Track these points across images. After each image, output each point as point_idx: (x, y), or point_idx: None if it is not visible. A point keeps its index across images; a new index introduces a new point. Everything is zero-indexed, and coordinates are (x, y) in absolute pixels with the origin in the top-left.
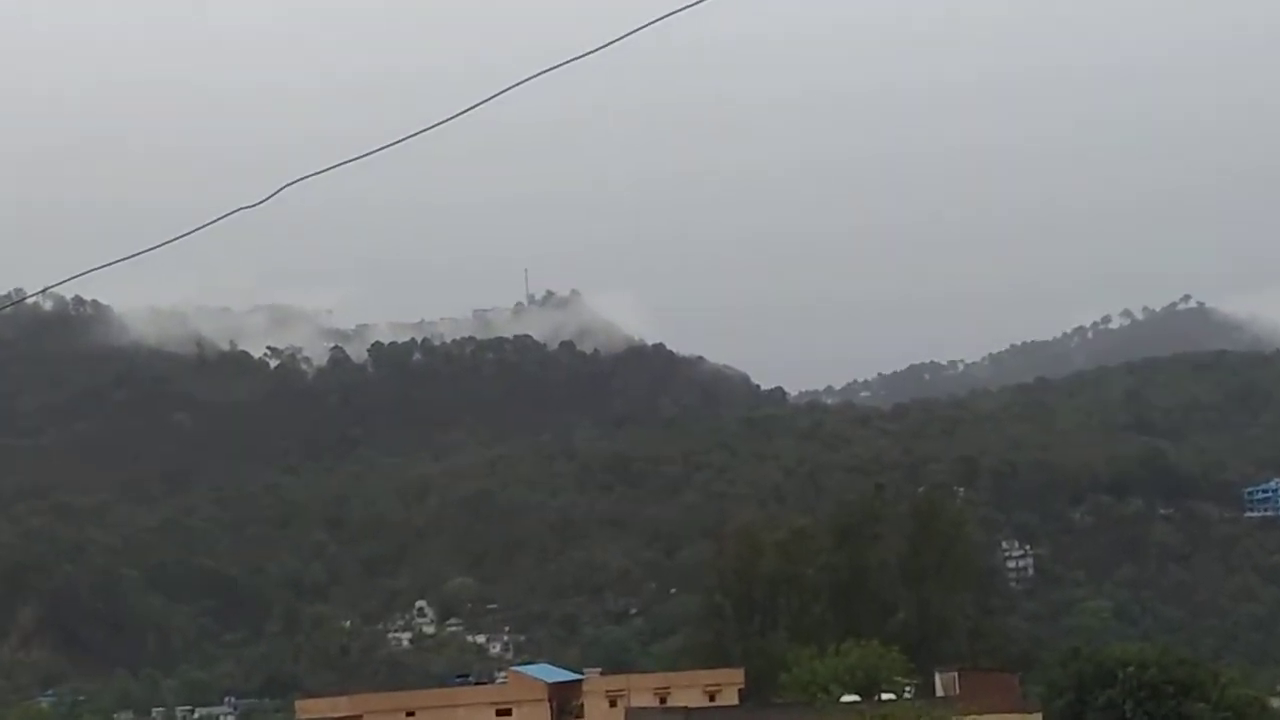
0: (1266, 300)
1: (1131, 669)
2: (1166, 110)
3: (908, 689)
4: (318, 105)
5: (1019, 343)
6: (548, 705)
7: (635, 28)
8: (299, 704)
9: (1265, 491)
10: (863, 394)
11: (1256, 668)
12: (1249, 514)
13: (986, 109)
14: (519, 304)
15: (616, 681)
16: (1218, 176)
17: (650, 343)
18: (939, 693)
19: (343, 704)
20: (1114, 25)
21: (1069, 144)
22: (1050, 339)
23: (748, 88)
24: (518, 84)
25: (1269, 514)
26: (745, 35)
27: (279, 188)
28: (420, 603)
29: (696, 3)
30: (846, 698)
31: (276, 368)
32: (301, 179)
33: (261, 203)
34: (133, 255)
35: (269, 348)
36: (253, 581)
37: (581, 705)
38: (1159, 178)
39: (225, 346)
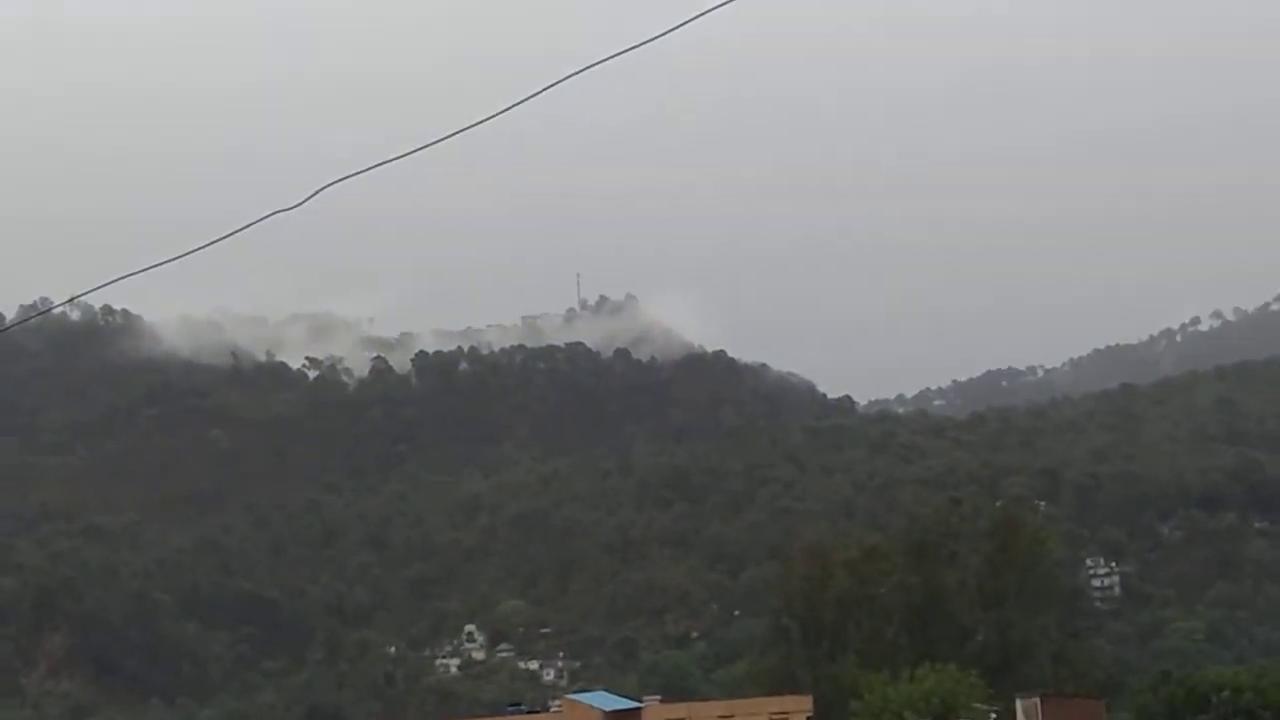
0: None
1: (1226, 694)
2: (1255, 97)
3: (991, 716)
4: (357, 106)
5: (1102, 347)
6: None
7: (683, 21)
8: None
9: None
10: (936, 402)
11: None
12: None
13: (1060, 102)
14: (571, 310)
15: (677, 709)
16: None
17: (710, 349)
18: None
19: None
20: (1205, 12)
21: (1151, 136)
22: (1136, 343)
23: (812, 82)
24: (560, 81)
25: None
26: (808, 29)
27: (316, 190)
28: (470, 627)
29: None
30: None
31: (316, 379)
32: (339, 180)
33: (298, 206)
34: (164, 262)
35: (308, 358)
36: (293, 606)
37: None
38: (1249, 168)
39: (262, 357)
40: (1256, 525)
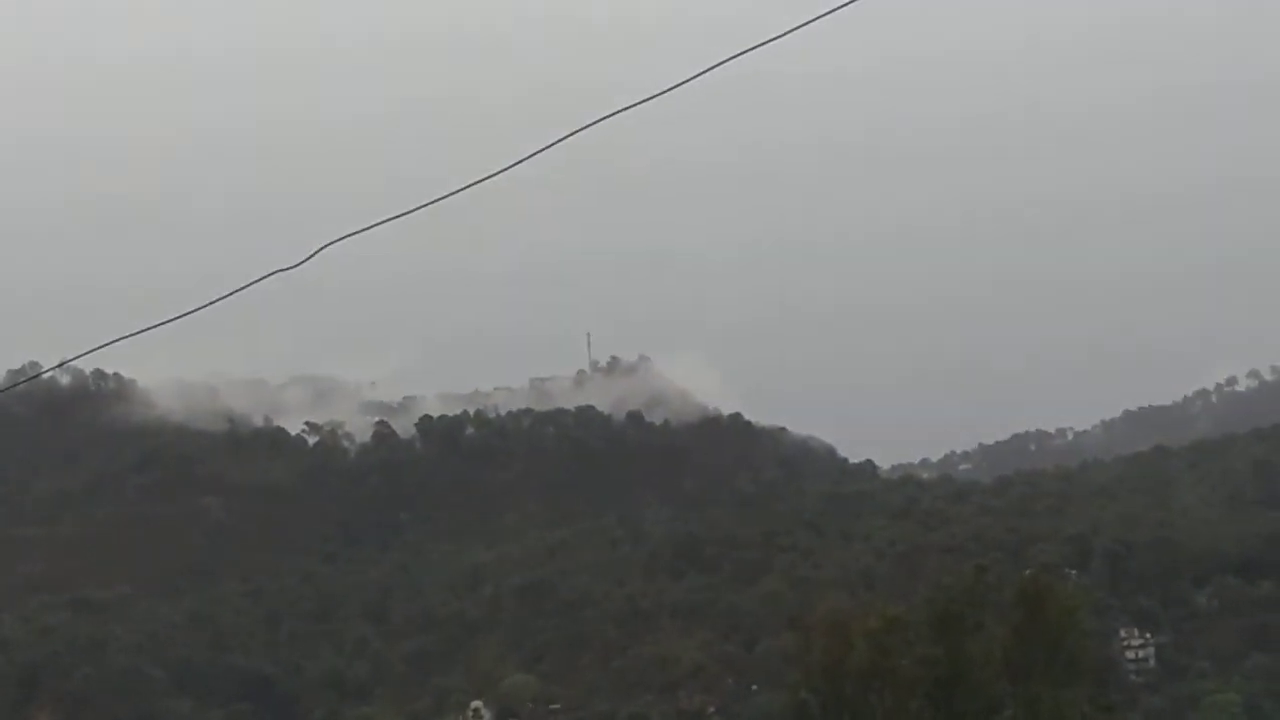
0: None
1: None
2: None
3: None
4: (358, 162)
5: (1134, 408)
6: None
7: (695, 74)
8: None
9: None
10: (961, 466)
11: None
12: None
13: (1089, 153)
14: (581, 372)
15: None
16: None
17: (726, 412)
18: None
19: None
20: (1251, 54)
21: (1186, 196)
22: (1169, 403)
23: (830, 137)
24: (569, 135)
25: None
26: (834, 82)
27: (316, 249)
28: (475, 703)
29: (770, 40)
30: None
31: (315, 445)
32: (339, 239)
33: (298, 265)
34: (159, 324)
35: (307, 423)
36: (289, 681)
37: None
38: None
39: (259, 422)
40: None
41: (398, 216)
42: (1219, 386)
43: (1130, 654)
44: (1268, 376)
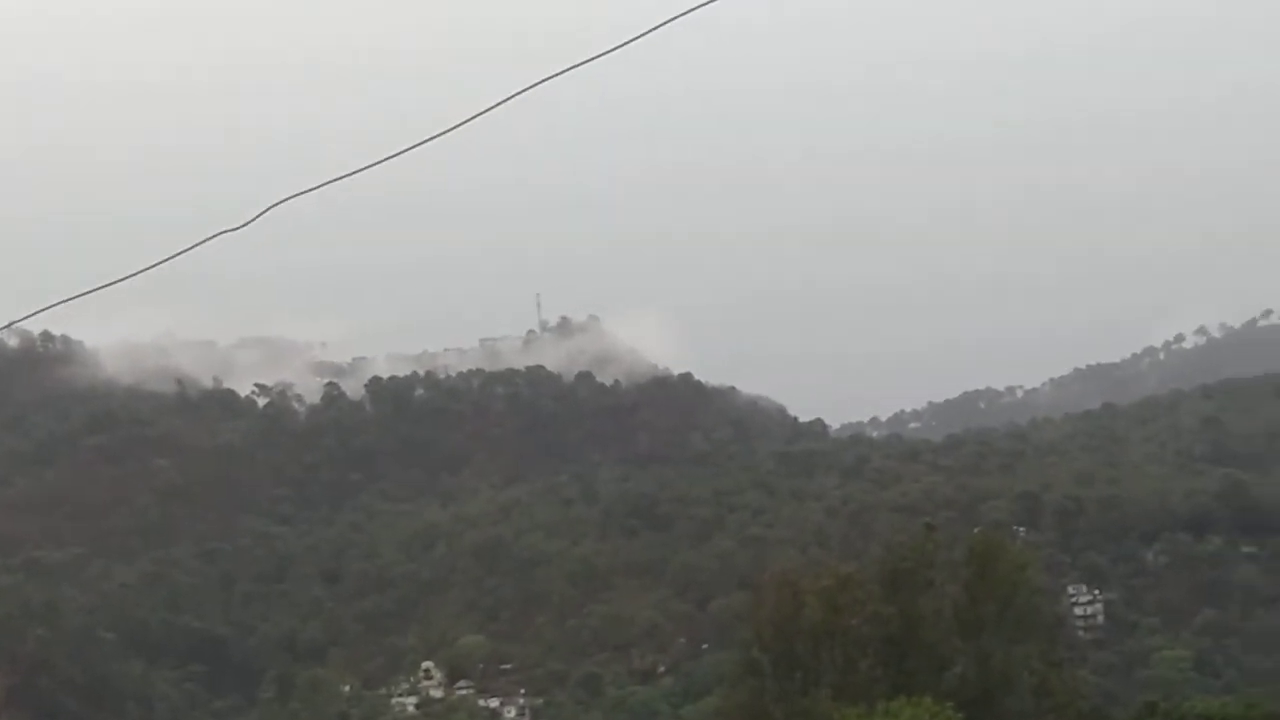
0: None
1: None
2: (1242, 128)
3: None
4: (312, 127)
5: (1083, 366)
6: None
7: (645, 31)
8: None
9: None
10: (911, 425)
11: None
12: None
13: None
14: (531, 332)
15: None
16: None
17: (677, 372)
18: None
19: None
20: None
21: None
22: (1118, 360)
23: (787, 115)
24: (523, 90)
25: None
26: (792, 61)
27: (263, 209)
28: (427, 663)
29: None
30: None
31: (266, 407)
32: (287, 199)
33: (245, 226)
34: (105, 285)
35: (257, 385)
36: (243, 643)
37: None
38: (1236, 185)
39: (209, 384)
40: (1244, 549)
41: (344, 176)
42: (1167, 344)
43: (1079, 610)
44: (1216, 334)
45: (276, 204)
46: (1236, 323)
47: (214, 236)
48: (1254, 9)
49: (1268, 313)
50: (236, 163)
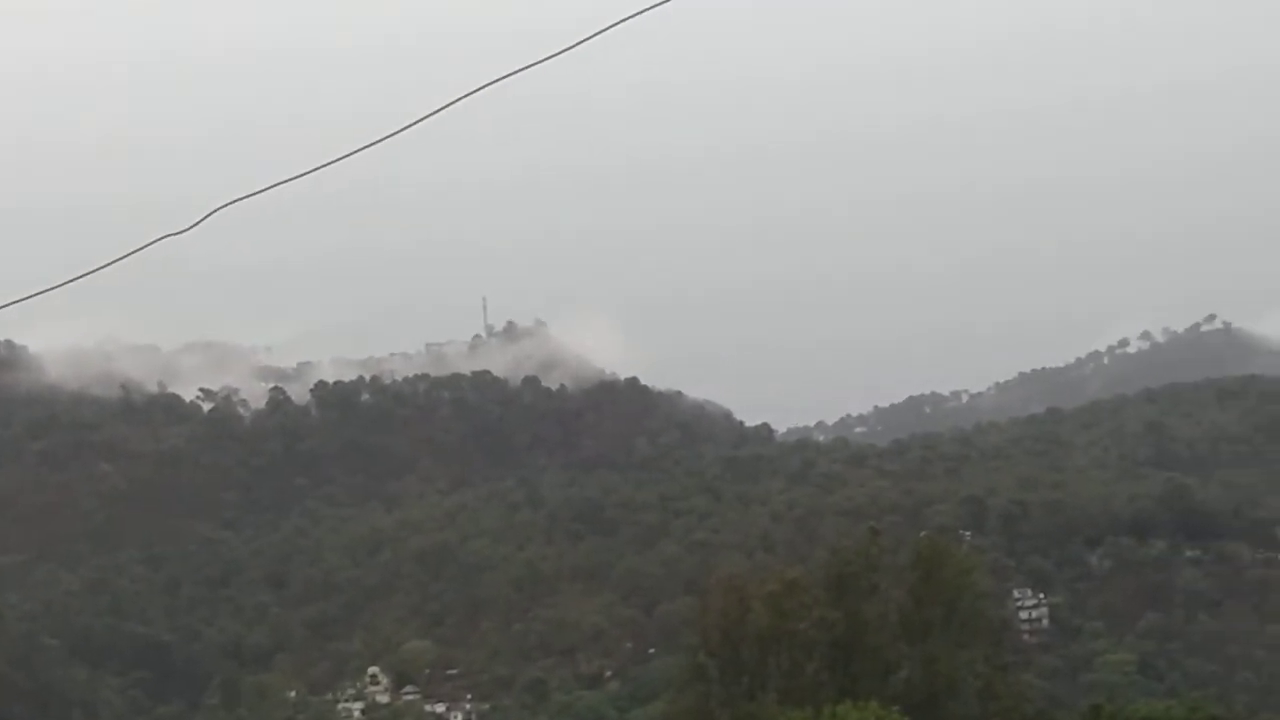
0: None
1: None
2: (1187, 130)
3: None
4: (257, 127)
5: (1028, 370)
6: None
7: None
8: None
9: None
10: (857, 430)
11: None
12: None
13: (990, 144)
14: (477, 337)
15: None
16: (1244, 183)
17: (623, 376)
18: None
19: None
20: (1147, 50)
21: (1077, 168)
22: (1063, 365)
23: (732, 121)
24: (473, 92)
25: None
26: (737, 67)
27: (207, 213)
28: (373, 669)
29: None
30: None
31: (211, 411)
32: (232, 202)
33: (188, 229)
34: (48, 289)
35: (202, 390)
36: (188, 648)
37: None
38: (1178, 192)
39: (154, 389)
40: (1188, 553)
41: (286, 181)
42: (1111, 349)
43: (1024, 614)
44: (1159, 338)
45: (221, 207)
46: (1180, 328)
47: (157, 241)
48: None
49: (1211, 318)
50: (182, 161)
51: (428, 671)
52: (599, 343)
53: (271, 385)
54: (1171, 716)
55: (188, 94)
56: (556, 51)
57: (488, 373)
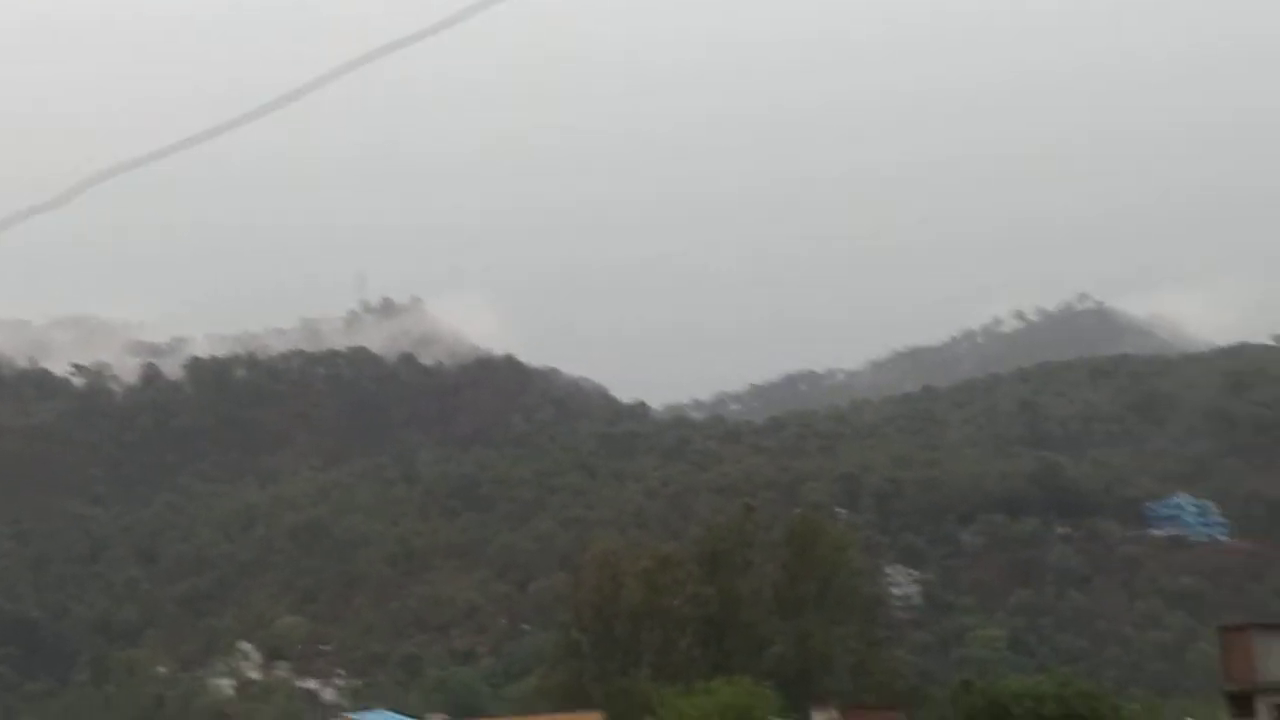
0: (1170, 300)
1: (1028, 703)
2: (1060, 115)
3: None
4: (127, 106)
5: (903, 348)
6: None
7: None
8: None
9: (1170, 508)
10: (733, 407)
11: (1163, 699)
12: (1153, 532)
13: (871, 126)
14: (353, 312)
15: None
16: (1116, 165)
17: (499, 353)
18: None
19: None
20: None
21: (954, 146)
22: (937, 344)
23: (608, 99)
24: (350, 67)
25: (1175, 532)
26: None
27: (77, 186)
28: (245, 645)
29: None
30: None
31: (82, 387)
32: (104, 175)
33: (58, 203)
34: None
35: (73, 365)
36: (56, 625)
37: None
38: (1050, 171)
39: (23, 364)
40: (1059, 531)
41: (159, 155)
42: (985, 327)
43: (897, 591)
44: (1033, 317)
45: (89, 182)
46: (1053, 307)
47: (26, 214)
48: None
49: (1083, 297)
50: (51, 134)
51: (300, 647)
52: (475, 319)
53: (144, 361)
54: (1041, 691)
55: (55, 64)
56: (431, 28)
57: (364, 349)
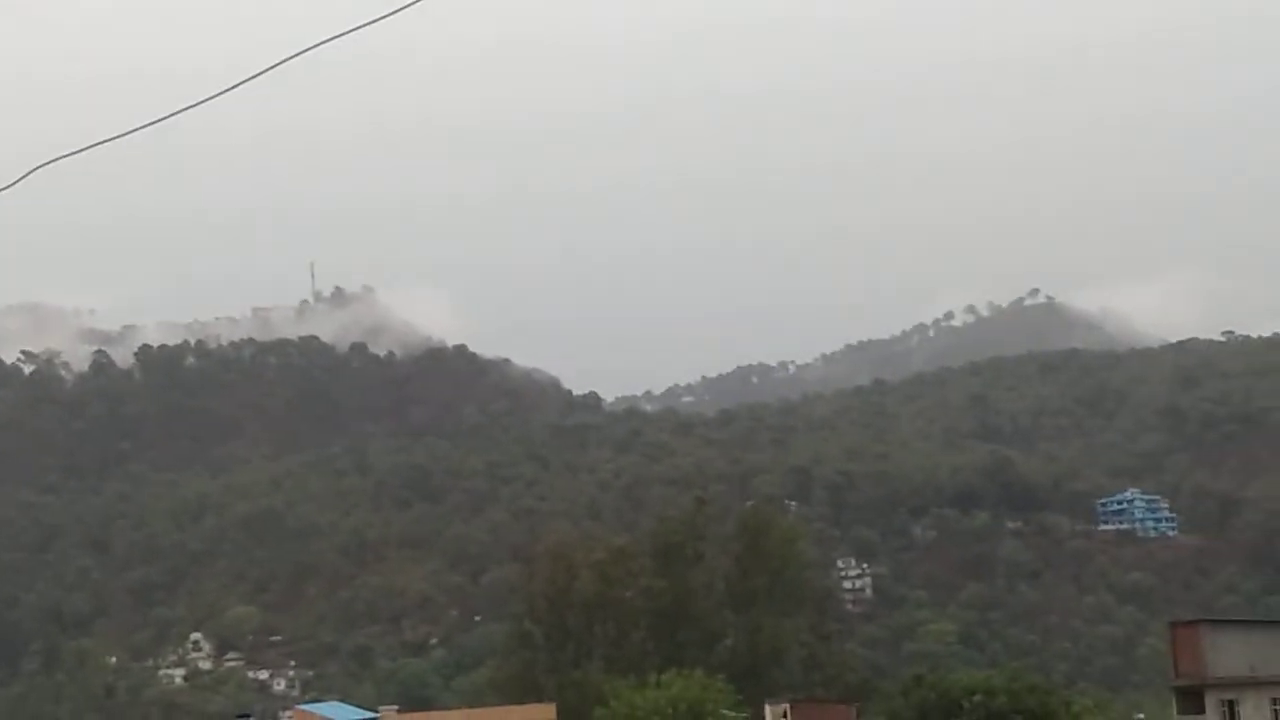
0: (1120, 294)
1: (978, 697)
2: (1012, 109)
3: None
4: (80, 92)
5: (855, 342)
6: None
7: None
8: None
9: (1120, 503)
10: (685, 399)
11: (1113, 694)
12: (1103, 527)
13: (822, 119)
14: (304, 302)
15: None
16: (1068, 161)
17: (452, 344)
18: None
19: None
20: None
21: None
22: (888, 337)
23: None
24: (305, 50)
25: (1124, 527)
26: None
27: (27, 172)
28: (196, 635)
29: None
30: None
31: (32, 374)
32: (52, 161)
33: (7, 188)
34: None
35: (23, 352)
36: (7, 614)
37: None
38: (1003, 169)
39: None
40: (1009, 525)
41: (112, 139)
42: (937, 321)
43: (848, 584)
44: (984, 312)
45: (41, 165)
46: (1003, 301)
47: None
48: None
49: (1034, 292)
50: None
51: (251, 638)
52: (427, 309)
53: (95, 349)
54: (992, 685)
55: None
56: (381, 16)
57: (315, 338)
